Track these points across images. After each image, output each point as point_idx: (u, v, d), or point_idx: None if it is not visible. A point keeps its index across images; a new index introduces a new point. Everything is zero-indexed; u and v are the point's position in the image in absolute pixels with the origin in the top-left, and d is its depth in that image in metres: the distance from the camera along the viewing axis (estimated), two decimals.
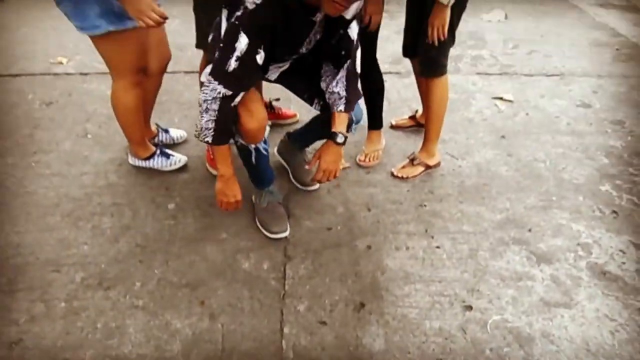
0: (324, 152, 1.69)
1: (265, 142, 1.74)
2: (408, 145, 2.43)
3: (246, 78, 1.49)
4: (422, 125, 2.42)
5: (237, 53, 1.42)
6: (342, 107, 1.66)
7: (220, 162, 1.63)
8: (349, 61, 1.67)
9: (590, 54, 3.52)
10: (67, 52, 3.34)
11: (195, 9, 1.95)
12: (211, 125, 1.50)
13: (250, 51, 1.43)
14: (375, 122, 2.32)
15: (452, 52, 2.02)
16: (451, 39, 1.90)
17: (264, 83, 2.44)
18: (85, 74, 3.06)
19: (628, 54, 3.54)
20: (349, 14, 1.57)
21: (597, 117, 2.73)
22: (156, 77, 2.14)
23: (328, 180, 1.74)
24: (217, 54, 1.46)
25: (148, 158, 2.20)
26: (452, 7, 1.77)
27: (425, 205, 2.04)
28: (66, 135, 2.48)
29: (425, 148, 2.20)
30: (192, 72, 3.01)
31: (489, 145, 2.45)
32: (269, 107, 2.50)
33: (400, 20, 2.15)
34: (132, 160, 2.24)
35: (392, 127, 2.55)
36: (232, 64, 1.43)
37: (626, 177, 2.26)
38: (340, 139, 1.66)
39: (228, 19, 1.48)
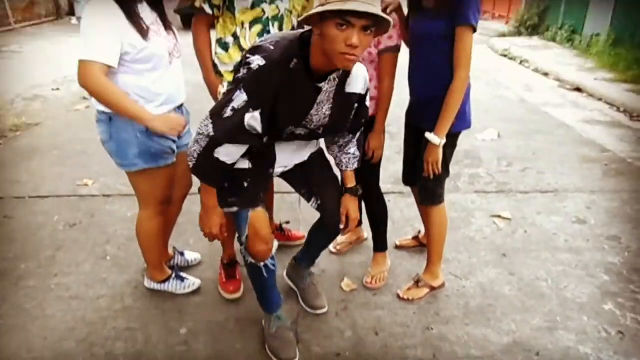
0: (350, 207, 1.91)
1: (272, 257, 1.80)
2: (413, 265, 2.53)
3: (236, 131, 1.53)
4: (425, 245, 2.53)
5: (233, 104, 1.49)
6: (356, 165, 1.92)
7: (203, 192, 1.70)
8: (359, 133, 1.89)
9: (581, 170, 3.74)
10: (92, 174, 3.61)
11: None
12: (195, 155, 1.59)
13: (245, 108, 1.49)
14: (380, 245, 2.44)
15: (451, 170, 2.17)
16: (445, 171, 2.07)
17: (275, 205, 2.64)
18: (108, 196, 3.28)
19: (617, 169, 3.76)
20: (354, 87, 1.65)
21: (593, 234, 2.84)
22: (177, 204, 2.33)
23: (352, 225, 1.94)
24: (222, 97, 1.59)
25: (164, 281, 2.31)
26: (444, 146, 1.96)
27: (432, 329, 2.08)
28: (87, 257, 2.61)
29: (429, 270, 2.30)
30: None
31: (491, 264, 2.53)
32: (279, 229, 2.65)
33: (401, 142, 2.34)
34: (147, 283, 2.35)
35: (397, 247, 2.66)
36: (228, 112, 1.50)
37: (628, 295, 2.30)
38: (359, 192, 1.93)
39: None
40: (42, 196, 3.29)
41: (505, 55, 8.39)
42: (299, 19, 1.46)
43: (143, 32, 1.73)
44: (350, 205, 1.90)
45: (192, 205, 3.09)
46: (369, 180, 2.24)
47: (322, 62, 1.48)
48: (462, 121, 1.97)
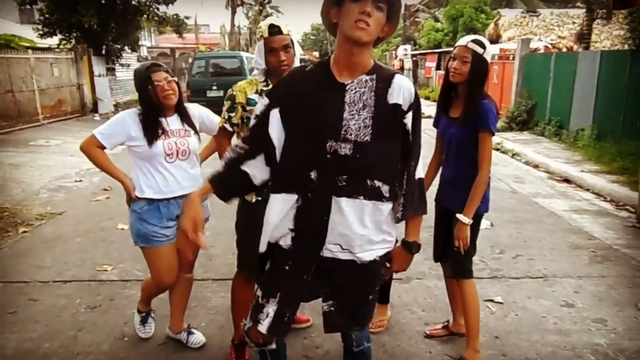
0: (396, 259, 1.77)
1: (276, 343, 1.81)
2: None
3: (260, 137, 1.61)
4: (456, 334, 2.75)
5: (256, 112, 1.65)
6: (399, 215, 1.67)
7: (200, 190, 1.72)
8: (412, 164, 1.65)
9: (569, 257, 3.98)
10: (111, 260, 3.87)
11: (240, 236, 2.44)
12: (222, 164, 1.69)
13: (267, 109, 1.60)
14: (383, 298, 2.84)
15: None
16: (473, 248, 2.45)
17: None
18: (127, 281, 3.52)
19: (604, 255, 3.99)
20: (397, 97, 1.58)
21: (580, 316, 3.02)
22: (180, 275, 2.60)
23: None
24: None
25: (141, 312, 2.76)
26: (471, 225, 2.36)
27: None
28: (106, 337, 2.80)
29: (471, 346, 2.49)
30: (221, 279, 3.44)
31: (484, 346, 2.69)
32: None
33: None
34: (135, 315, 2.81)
35: (427, 336, 2.78)
36: (252, 121, 1.66)
37: None
38: (415, 249, 1.75)
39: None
40: (65, 280, 3.54)
41: (497, 149, 8.93)
42: (322, 16, 1.59)
43: (149, 137, 2.33)
44: (398, 258, 1.76)
45: (205, 290, 3.34)
46: None
47: (343, 51, 1.54)
48: (485, 205, 2.44)
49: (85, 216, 5.04)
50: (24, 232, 4.56)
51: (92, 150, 2.38)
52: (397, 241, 1.77)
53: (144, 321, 2.79)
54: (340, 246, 1.61)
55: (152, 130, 2.35)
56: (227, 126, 2.36)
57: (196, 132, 2.51)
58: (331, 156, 1.54)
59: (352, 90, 1.55)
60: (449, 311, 2.81)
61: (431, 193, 2.53)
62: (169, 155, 2.39)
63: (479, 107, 2.31)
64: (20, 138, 9.50)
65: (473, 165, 2.36)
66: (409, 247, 1.74)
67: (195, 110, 2.60)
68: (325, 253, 1.62)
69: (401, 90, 1.58)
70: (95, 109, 13.30)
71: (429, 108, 15.72)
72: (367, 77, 1.56)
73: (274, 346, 1.81)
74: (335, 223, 1.58)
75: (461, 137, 2.38)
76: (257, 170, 1.65)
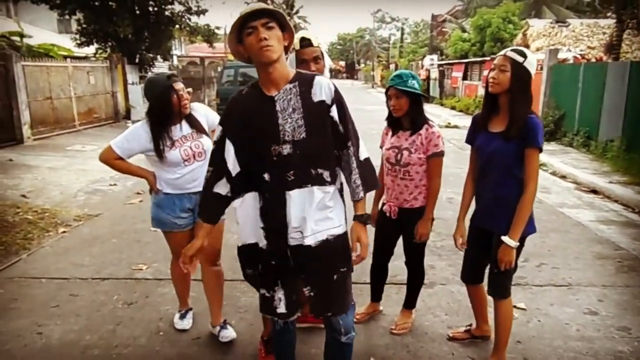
0: (360, 234, 1.93)
1: (286, 323, 2.10)
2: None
3: (218, 161, 1.91)
4: (478, 337, 2.82)
5: (214, 138, 1.96)
6: (361, 194, 1.92)
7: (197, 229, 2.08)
8: (351, 149, 1.89)
9: (594, 266, 3.97)
10: (146, 260, 4.06)
11: None
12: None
13: (222, 136, 1.90)
14: (410, 303, 2.99)
15: None
16: (514, 267, 2.41)
17: None
18: (160, 280, 3.69)
19: (629, 266, 3.97)
20: (319, 95, 1.83)
21: (604, 324, 3.04)
22: (205, 267, 2.81)
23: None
24: None
25: (182, 311, 3.03)
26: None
27: None
28: (142, 332, 2.97)
29: (498, 355, 2.54)
30: None
31: (506, 350, 2.75)
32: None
33: None
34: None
35: (450, 339, 2.86)
36: (212, 146, 1.98)
37: None
38: (367, 220, 1.95)
39: None
40: (103, 278, 3.74)
41: None
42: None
43: (159, 151, 2.55)
44: (360, 233, 1.93)
45: (234, 290, 3.48)
46: (413, 256, 2.85)
47: (263, 74, 1.81)
48: (530, 226, 2.36)
49: (120, 218, 5.27)
50: (64, 232, 4.82)
51: (110, 161, 2.61)
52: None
53: (182, 317, 3.00)
54: (301, 233, 1.88)
55: (161, 142, 2.55)
56: None
57: (206, 133, 2.71)
58: (277, 158, 1.83)
59: (280, 99, 1.82)
60: (471, 315, 2.87)
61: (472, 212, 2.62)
62: (186, 160, 2.60)
63: (526, 122, 2.21)
64: (58, 143, 9.93)
65: (515, 183, 2.27)
66: (361, 219, 1.94)
67: (202, 110, 2.78)
68: (291, 242, 1.89)
69: (322, 88, 1.84)
70: (128, 116, 13.76)
71: (454, 118, 15.69)
72: (290, 85, 1.83)
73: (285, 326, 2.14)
74: (291, 213, 1.86)
75: (505, 153, 2.28)
76: (226, 187, 1.94)
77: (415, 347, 2.80)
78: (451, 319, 3.11)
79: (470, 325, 2.88)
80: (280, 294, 1.98)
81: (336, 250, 1.93)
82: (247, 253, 2.03)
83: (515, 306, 3.25)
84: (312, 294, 1.95)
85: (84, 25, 13.29)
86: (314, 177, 1.86)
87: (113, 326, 3.03)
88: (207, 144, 2.65)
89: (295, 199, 1.85)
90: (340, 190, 2.01)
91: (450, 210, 5.28)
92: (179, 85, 2.54)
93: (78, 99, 11.84)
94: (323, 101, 1.84)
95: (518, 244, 2.29)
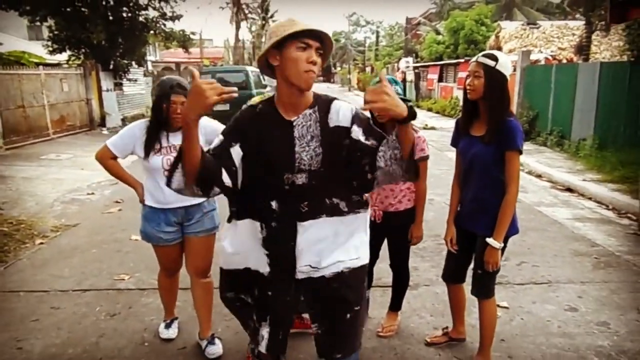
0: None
1: None
2: None
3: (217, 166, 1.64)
4: (455, 339, 2.85)
5: (213, 146, 1.67)
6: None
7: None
8: (376, 173, 1.65)
9: (572, 263, 4.08)
10: (127, 270, 3.99)
11: None
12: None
13: (221, 145, 1.65)
14: (395, 305, 3.03)
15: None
16: (497, 268, 2.46)
17: None
18: (143, 290, 3.63)
19: (606, 262, 4.09)
20: (336, 120, 1.67)
21: (584, 320, 3.12)
22: (193, 279, 2.78)
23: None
24: None
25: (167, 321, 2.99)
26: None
27: None
28: (127, 343, 2.92)
29: (483, 354, 2.59)
30: None
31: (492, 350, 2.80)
32: (300, 318, 2.97)
33: None
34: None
35: (428, 344, 2.87)
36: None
37: None
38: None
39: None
40: (84, 289, 3.66)
41: None
42: (258, 58, 1.67)
43: (146, 149, 2.53)
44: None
45: (218, 297, 3.44)
46: (398, 258, 2.91)
47: (287, 94, 1.63)
48: (513, 227, 2.39)
49: (99, 228, 5.17)
50: (41, 243, 4.70)
51: (106, 160, 2.64)
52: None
53: (168, 326, 2.96)
54: (310, 266, 1.71)
55: (150, 143, 2.53)
56: None
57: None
58: (289, 187, 1.66)
59: (299, 125, 1.67)
60: None
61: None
62: (167, 170, 2.48)
63: (504, 125, 2.25)
64: (31, 152, 9.68)
65: (497, 185, 2.31)
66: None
67: (204, 123, 2.60)
68: (299, 275, 1.72)
69: (339, 113, 1.69)
70: (103, 123, 13.51)
71: (431, 120, 15.90)
72: (310, 111, 1.68)
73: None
74: (302, 246, 1.69)
75: (486, 156, 2.32)
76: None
77: (402, 349, 2.83)
78: (436, 320, 3.15)
79: (447, 327, 2.92)
80: (264, 332, 1.77)
81: (351, 285, 1.75)
82: (239, 277, 1.80)
83: (498, 305, 3.30)
84: (319, 331, 1.78)
85: (56, 32, 13.00)
86: (329, 207, 1.69)
87: (96, 338, 2.97)
88: None
89: (308, 230, 1.68)
90: (364, 219, 1.81)
91: (432, 212, 5.35)
92: (177, 98, 2.44)
93: (51, 106, 11.58)
94: (340, 126, 1.68)
95: (502, 245, 2.34)
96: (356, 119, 1.68)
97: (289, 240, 1.69)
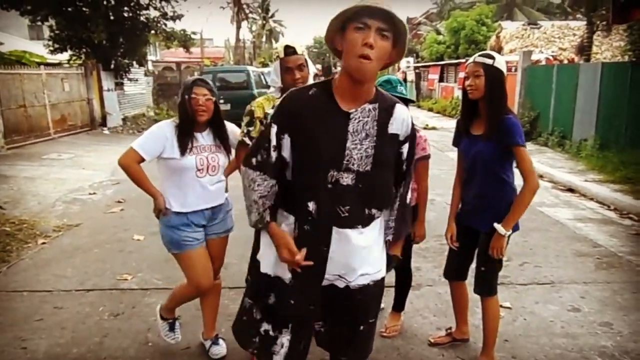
0: None
1: None
2: None
3: (271, 163, 1.61)
4: (459, 340, 2.85)
5: (272, 143, 1.58)
6: (390, 238, 1.75)
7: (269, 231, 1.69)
8: (402, 188, 1.69)
9: (575, 264, 4.09)
10: (130, 270, 4.00)
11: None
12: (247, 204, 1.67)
13: (279, 137, 1.58)
14: (399, 305, 3.03)
15: None
16: (500, 265, 2.50)
17: None
18: (146, 289, 3.64)
19: (608, 262, 4.10)
20: (396, 128, 1.61)
21: (587, 320, 3.13)
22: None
23: None
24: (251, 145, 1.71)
25: (166, 319, 2.83)
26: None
27: None
28: (131, 343, 2.92)
29: (487, 353, 2.59)
30: (237, 287, 3.55)
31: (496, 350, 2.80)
32: None
33: None
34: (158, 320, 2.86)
35: (431, 344, 2.87)
36: (272, 154, 1.60)
37: None
38: (393, 264, 1.80)
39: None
40: (87, 289, 3.67)
41: None
42: (325, 38, 1.57)
43: (182, 147, 2.42)
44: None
45: (222, 297, 3.44)
46: (404, 255, 2.83)
47: (345, 82, 1.52)
48: (515, 225, 2.42)
49: (101, 228, 5.17)
50: (43, 243, 4.70)
51: (133, 165, 2.42)
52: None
53: (171, 328, 2.85)
54: (339, 275, 1.64)
55: (185, 141, 2.44)
56: (247, 140, 2.51)
57: (228, 150, 2.61)
58: (332, 185, 1.55)
59: (356, 119, 1.54)
60: None
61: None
62: (199, 170, 2.47)
63: (503, 123, 2.28)
64: (33, 152, 9.68)
65: (499, 183, 2.38)
66: (392, 261, 1.81)
67: (229, 128, 2.65)
68: (324, 282, 1.65)
69: (402, 122, 1.62)
70: (104, 123, 13.51)
71: (432, 120, 15.90)
72: (370, 107, 1.56)
73: None
74: (335, 253, 1.60)
75: (487, 154, 2.36)
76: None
77: (405, 350, 2.83)
78: (439, 320, 3.16)
79: (451, 328, 2.92)
80: (285, 339, 1.68)
81: (374, 297, 1.73)
82: (266, 284, 1.73)
83: (501, 305, 3.30)
84: (322, 330, 1.75)
85: (57, 32, 12.99)
86: (366, 217, 1.61)
87: (100, 338, 2.98)
88: (224, 160, 2.57)
89: (344, 239, 1.58)
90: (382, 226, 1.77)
91: (433, 212, 5.35)
92: (200, 90, 2.41)
93: (52, 106, 11.57)
94: (397, 135, 1.61)
95: (510, 232, 2.35)
96: (410, 137, 1.66)
97: (322, 245, 1.59)
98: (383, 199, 1.65)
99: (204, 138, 2.52)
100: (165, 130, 2.46)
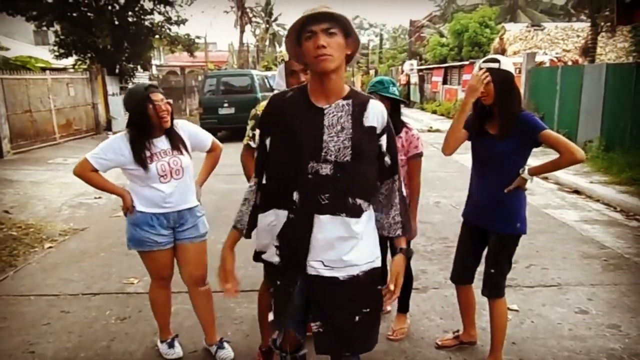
0: (400, 271, 1.76)
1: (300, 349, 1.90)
2: None
3: (263, 160, 1.77)
4: (466, 343, 2.83)
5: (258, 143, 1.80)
6: (399, 232, 1.78)
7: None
8: (396, 182, 1.77)
9: (581, 265, 4.07)
10: (137, 273, 4.00)
11: None
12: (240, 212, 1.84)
13: (262, 139, 1.76)
14: (403, 307, 3.00)
15: None
16: (508, 266, 2.49)
17: None
18: None
19: (615, 264, 4.08)
20: (372, 120, 1.69)
21: (595, 322, 3.11)
22: (192, 289, 2.76)
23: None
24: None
25: (165, 341, 2.83)
26: (508, 244, 2.43)
27: None
28: (138, 347, 2.93)
29: (495, 356, 2.58)
30: (243, 290, 3.50)
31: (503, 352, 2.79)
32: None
33: None
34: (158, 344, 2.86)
35: (438, 347, 2.86)
36: (256, 153, 1.84)
37: None
38: (411, 253, 1.84)
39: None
40: (94, 293, 3.68)
41: None
42: (287, 60, 1.79)
43: (141, 162, 2.44)
44: (401, 269, 1.76)
45: (228, 301, 3.45)
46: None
47: (316, 84, 1.67)
48: (523, 225, 2.43)
49: (107, 231, 5.20)
50: (50, 247, 4.73)
51: (86, 173, 2.45)
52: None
53: (170, 346, 2.82)
54: (323, 263, 1.67)
55: (142, 153, 2.44)
56: (252, 143, 2.51)
57: (187, 150, 2.59)
58: (312, 176, 1.64)
59: (330, 114, 1.67)
60: None
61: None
62: (162, 176, 2.48)
63: (520, 119, 2.31)
64: (38, 156, 9.75)
65: (512, 181, 2.37)
66: (406, 252, 1.80)
67: (185, 127, 2.66)
68: (310, 270, 1.68)
69: (375, 115, 1.70)
70: (109, 127, 13.59)
71: (435, 122, 15.89)
72: (344, 102, 1.68)
73: (305, 350, 1.90)
74: (317, 240, 1.66)
75: (504, 153, 2.35)
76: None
77: (412, 353, 2.82)
78: (446, 322, 3.15)
79: (458, 331, 2.90)
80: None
81: (364, 288, 1.73)
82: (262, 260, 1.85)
83: (508, 308, 3.29)
84: (321, 330, 1.73)
85: (62, 37, 13.11)
86: (350, 207, 1.66)
87: (107, 342, 2.99)
88: (186, 162, 2.56)
89: (325, 225, 1.65)
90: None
91: (439, 214, 5.35)
92: (157, 96, 2.41)
93: (58, 111, 11.65)
94: (374, 128, 1.70)
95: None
96: (387, 129, 1.73)
97: (304, 232, 1.66)
98: (364, 188, 1.71)
99: (163, 142, 2.52)
100: (119, 144, 2.46)
